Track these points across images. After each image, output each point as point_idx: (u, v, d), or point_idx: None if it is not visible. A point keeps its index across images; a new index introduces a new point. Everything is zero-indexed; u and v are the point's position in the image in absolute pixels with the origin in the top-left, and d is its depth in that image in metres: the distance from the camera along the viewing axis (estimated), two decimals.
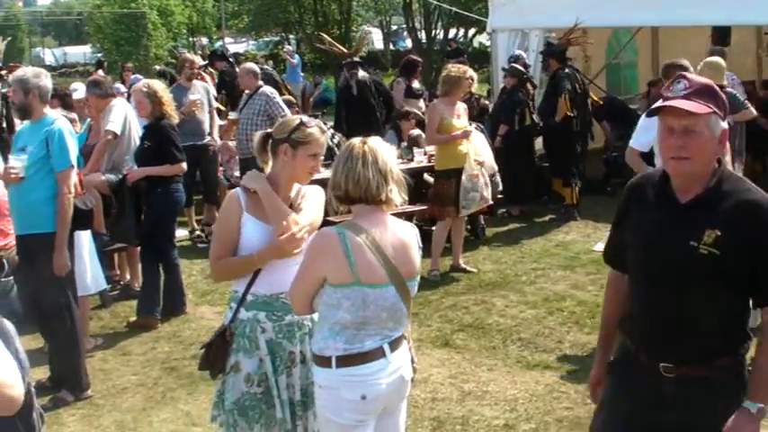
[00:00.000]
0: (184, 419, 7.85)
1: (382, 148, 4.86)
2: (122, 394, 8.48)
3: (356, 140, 4.89)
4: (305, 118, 5.51)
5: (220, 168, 15.73)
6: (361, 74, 15.38)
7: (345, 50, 16.51)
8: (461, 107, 11.70)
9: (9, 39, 27.59)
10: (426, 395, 7.92)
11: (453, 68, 11.65)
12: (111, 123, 10.73)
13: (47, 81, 8.26)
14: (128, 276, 11.52)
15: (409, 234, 4.95)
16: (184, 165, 10.41)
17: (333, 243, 4.68)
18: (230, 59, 20.58)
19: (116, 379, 8.84)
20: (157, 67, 28.91)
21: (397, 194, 4.81)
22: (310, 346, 5.09)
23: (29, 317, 8.68)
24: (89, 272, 9.29)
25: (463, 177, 11.21)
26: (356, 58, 15.81)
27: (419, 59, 18.64)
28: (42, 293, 8.11)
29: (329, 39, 18.13)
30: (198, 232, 14.19)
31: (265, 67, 18.95)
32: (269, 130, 5.47)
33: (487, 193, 11.66)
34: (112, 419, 7.94)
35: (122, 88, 17.96)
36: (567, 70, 14.70)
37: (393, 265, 4.72)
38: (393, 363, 4.86)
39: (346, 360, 4.75)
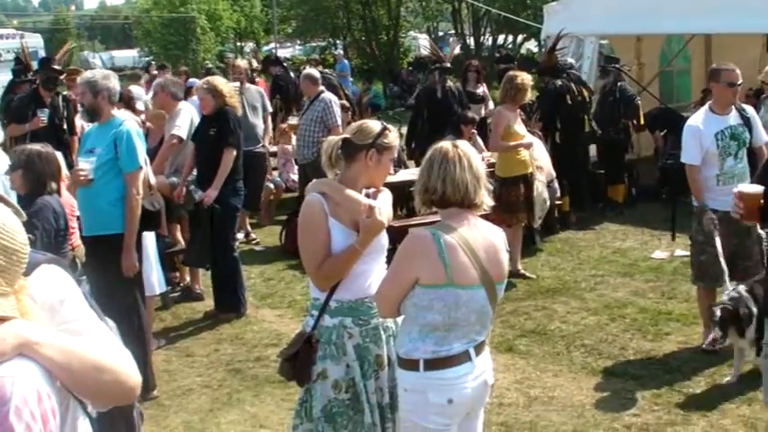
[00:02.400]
0: (251, 421, 7.87)
1: (473, 153, 4.89)
2: (188, 395, 8.53)
3: (446, 144, 4.90)
4: (383, 123, 5.53)
5: (275, 172, 15.81)
6: (449, 81, 15.44)
7: (443, 56, 16.50)
8: (519, 114, 11.77)
9: (74, 45, 27.84)
10: (493, 400, 7.88)
11: (518, 76, 11.63)
12: (177, 128, 10.81)
13: (115, 83, 8.32)
14: (188, 278, 11.58)
15: (498, 237, 4.96)
16: (233, 152, 10.37)
17: (427, 243, 4.68)
18: (284, 64, 20.62)
19: (181, 380, 8.89)
20: (208, 64, 29.01)
21: (487, 198, 4.85)
22: (395, 349, 5.11)
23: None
24: (155, 272, 9.36)
25: (538, 186, 11.26)
26: (447, 65, 15.84)
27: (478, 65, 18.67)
28: (110, 294, 8.18)
29: (431, 41, 18.20)
30: (253, 236, 14.25)
31: (325, 71, 18.97)
32: (346, 136, 5.46)
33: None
34: (180, 420, 7.99)
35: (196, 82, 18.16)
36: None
37: (485, 267, 4.74)
38: (478, 367, 4.86)
39: (434, 363, 4.75)
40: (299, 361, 5.32)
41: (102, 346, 2.91)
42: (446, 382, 4.76)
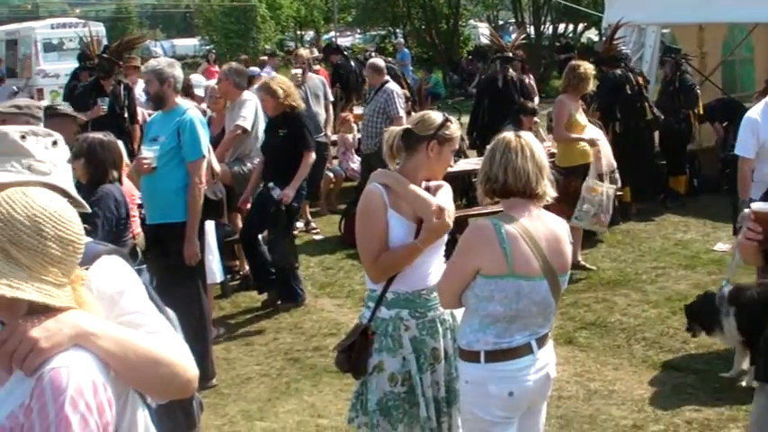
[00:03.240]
0: (310, 411, 7.89)
1: (536, 143, 4.85)
2: (246, 384, 8.57)
3: (509, 134, 4.87)
4: (445, 115, 5.49)
5: (335, 160, 15.82)
6: (511, 70, 15.35)
7: (504, 44, 16.41)
8: (580, 104, 11.68)
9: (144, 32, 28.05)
10: (552, 393, 7.74)
11: (581, 66, 11.56)
12: (241, 118, 10.83)
13: (179, 71, 8.38)
14: (247, 267, 11.61)
15: (561, 227, 4.93)
16: (313, 155, 10.46)
17: (488, 234, 4.65)
18: (345, 53, 20.62)
19: (240, 369, 8.94)
20: (267, 48, 29.04)
21: (550, 189, 4.80)
22: (455, 341, 5.08)
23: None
24: (216, 261, 9.40)
25: (583, 187, 11.13)
26: (510, 54, 15.75)
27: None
28: (172, 282, 8.22)
29: (492, 30, 18.12)
30: (313, 224, 14.27)
31: (388, 60, 18.94)
32: (408, 126, 5.43)
33: (605, 218, 11.52)
34: (238, 409, 8.02)
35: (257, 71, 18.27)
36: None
37: (547, 259, 4.69)
38: (540, 360, 4.83)
39: (495, 355, 4.72)
40: (354, 353, 5.29)
41: (160, 338, 2.91)
42: (507, 374, 4.73)
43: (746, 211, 4.58)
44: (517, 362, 4.75)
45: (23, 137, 3.34)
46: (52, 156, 3.37)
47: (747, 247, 4.58)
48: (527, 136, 4.87)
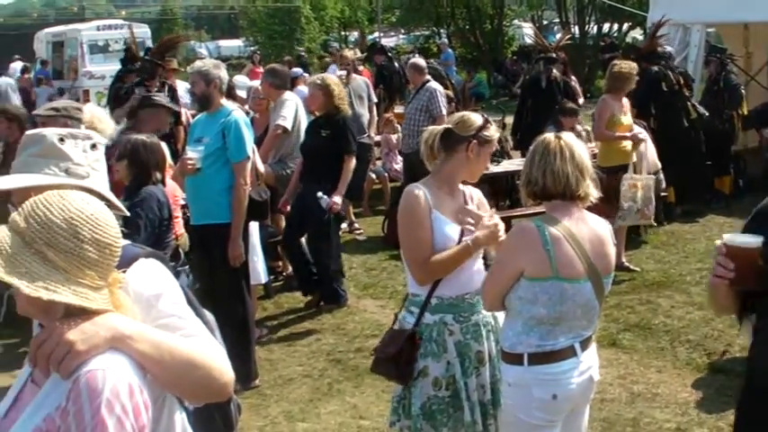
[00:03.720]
0: (351, 412, 7.89)
1: (577, 144, 4.82)
2: (289, 385, 8.57)
3: (550, 135, 4.85)
4: (485, 116, 5.48)
5: (378, 161, 15.82)
6: (555, 71, 15.28)
7: (548, 45, 16.37)
8: (626, 103, 11.58)
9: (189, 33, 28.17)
10: (595, 395, 7.68)
11: (624, 65, 11.51)
12: (282, 118, 10.86)
13: (225, 73, 8.44)
14: (290, 268, 11.62)
15: (604, 229, 4.91)
16: (354, 159, 10.46)
17: (532, 236, 4.63)
18: (389, 53, 20.63)
19: (282, 369, 8.95)
20: (301, 53, 29.07)
21: (593, 190, 4.76)
22: (498, 343, 5.06)
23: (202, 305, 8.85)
24: (260, 261, 9.43)
25: (622, 186, 11.02)
26: (553, 54, 15.69)
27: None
28: (216, 283, 8.25)
29: (536, 30, 18.02)
30: (356, 225, 14.28)
31: (431, 61, 18.92)
32: (449, 126, 5.41)
33: (649, 210, 11.41)
34: (280, 410, 8.03)
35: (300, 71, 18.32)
36: None
37: (591, 260, 4.67)
38: (583, 362, 4.80)
39: (538, 358, 4.70)
40: (402, 360, 5.24)
41: (196, 342, 2.92)
42: (550, 377, 4.71)
43: (718, 242, 3.98)
44: (561, 364, 4.73)
45: (62, 139, 3.36)
46: (90, 159, 3.39)
47: (718, 286, 4.04)
48: (567, 137, 4.85)
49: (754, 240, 3.90)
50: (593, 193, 4.79)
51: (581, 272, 4.64)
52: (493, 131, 5.30)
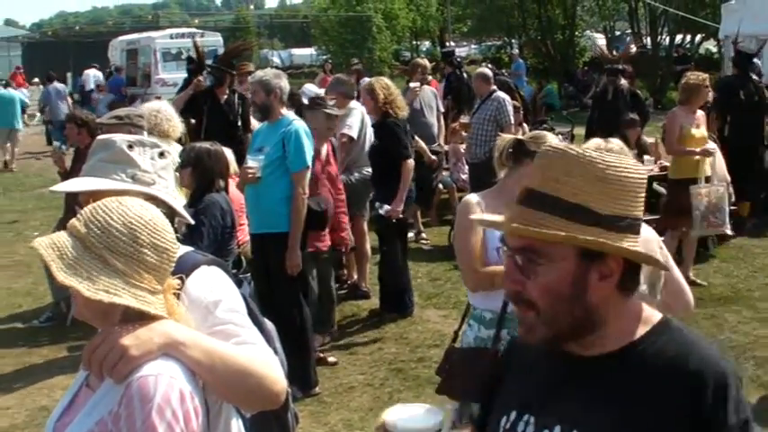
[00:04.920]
0: None
1: (626, 151, 4.78)
2: (349, 393, 8.58)
3: (595, 141, 4.82)
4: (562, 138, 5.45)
5: (445, 172, 15.80)
6: (622, 81, 15.16)
7: (611, 56, 16.28)
8: (701, 116, 11.43)
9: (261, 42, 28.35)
10: None
11: (692, 76, 11.39)
12: (348, 127, 10.91)
13: (286, 82, 8.48)
14: (355, 276, 11.65)
15: (653, 236, 4.92)
16: (411, 162, 10.45)
17: None
18: (457, 64, 20.56)
19: (343, 377, 8.96)
20: (356, 63, 29.13)
21: None
22: None
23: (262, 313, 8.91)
24: None
25: (691, 195, 10.89)
26: (619, 66, 15.58)
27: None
28: (275, 292, 8.29)
29: (600, 45, 17.89)
30: (423, 235, 14.29)
31: (501, 71, 18.87)
32: (520, 137, 5.40)
33: (716, 218, 11.24)
34: (339, 418, 8.04)
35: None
36: None
37: (647, 269, 4.64)
38: None
39: None
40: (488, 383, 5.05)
41: (249, 350, 2.94)
42: None
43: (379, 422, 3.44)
44: None
45: (131, 146, 3.41)
46: (158, 167, 3.44)
47: None
48: (616, 143, 4.83)
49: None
50: None
51: (640, 278, 4.60)
52: None
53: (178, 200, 3.49)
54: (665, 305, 4.92)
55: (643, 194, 2.34)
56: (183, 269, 2.95)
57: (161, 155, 3.47)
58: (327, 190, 9.40)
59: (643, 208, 2.34)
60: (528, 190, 2.36)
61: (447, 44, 34.42)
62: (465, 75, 19.25)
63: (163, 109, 7.25)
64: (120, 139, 3.47)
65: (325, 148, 9.47)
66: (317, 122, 9.09)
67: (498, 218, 2.40)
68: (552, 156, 2.36)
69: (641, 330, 2.40)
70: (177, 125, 7.37)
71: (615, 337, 2.38)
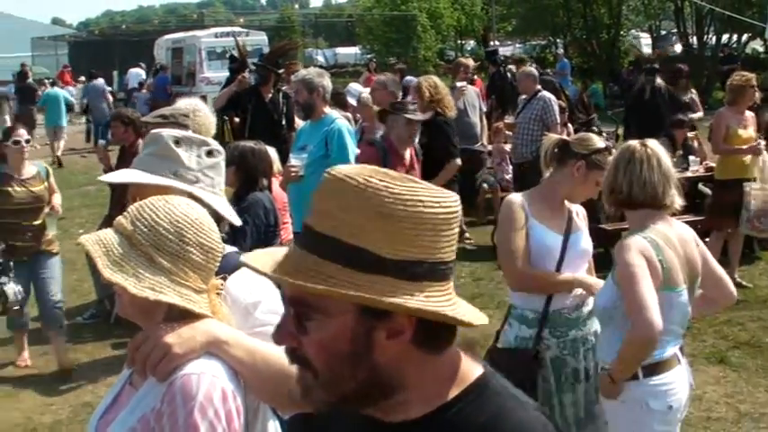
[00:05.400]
0: None
1: (663, 152, 4.76)
2: None
3: (635, 143, 4.80)
4: (609, 145, 5.41)
5: (488, 171, 15.77)
6: (659, 81, 15.07)
7: (646, 56, 16.23)
8: (749, 116, 11.31)
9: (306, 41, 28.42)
10: (700, 413, 7.65)
11: (737, 76, 11.30)
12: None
13: (329, 81, 8.51)
14: None
15: (690, 234, 4.86)
16: (458, 161, 10.47)
17: (648, 249, 4.56)
18: (501, 63, 20.53)
19: None
20: (394, 61, 28.99)
21: (678, 198, 4.70)
22: (598, 364, 4.99)
23: None
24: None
25: (745, 192, 10.79)
26: (656, 65, 15.50)
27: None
28: None
29: (630, 45, 17.78)
30: (467, 235, 14.26)
31: (546, 71, 18.83)
32: (566, 137, 5.39)
33: (761, 222, 11.10)
34: None
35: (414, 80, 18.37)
36: None
37: (686, 267, 4.62)
38: (685, 369, 4.76)
39: (652, 369, 4.63)
40: (529, 384, 5.02)
41: None
42: (665, 387, 4.66)
43: None
44: (671, 373, 4.69)
45: (177, 142, 3.42)
46: (203, 165, 3.44)
47: None
48: (653, 144, 4.79)
49: None
50: (679, 202, 4.74)
51: (681, 279, 4.62)
52: (609, 160, 5.13)
53: (222, 199, 3.49)
54: (709, 299, 4.92)
55: (454, 233, 1.93)
56: (226, 269, 2.95)
57: (209, 153, 3.47)
58: None
59: (454, 248, 1.94)
60: (305, 227, 1.93)
61: (491, 43, 34.24)
62: (509, 74, 19.23)
63: (201, 106, 7.27)
64: (168, 134, 3.48)
65: (408, 153, 9.40)
66: (398, 127, 9.04)
67: (271, 263, 1.94)
68: (326, 186, 1.91)
69: (453, 392, 1.99)
70: (213, 123, 7.42)
71: (420, 402, 1.99)
